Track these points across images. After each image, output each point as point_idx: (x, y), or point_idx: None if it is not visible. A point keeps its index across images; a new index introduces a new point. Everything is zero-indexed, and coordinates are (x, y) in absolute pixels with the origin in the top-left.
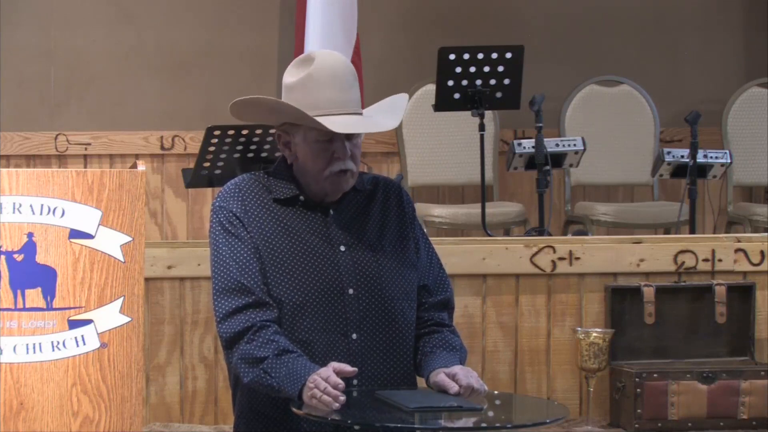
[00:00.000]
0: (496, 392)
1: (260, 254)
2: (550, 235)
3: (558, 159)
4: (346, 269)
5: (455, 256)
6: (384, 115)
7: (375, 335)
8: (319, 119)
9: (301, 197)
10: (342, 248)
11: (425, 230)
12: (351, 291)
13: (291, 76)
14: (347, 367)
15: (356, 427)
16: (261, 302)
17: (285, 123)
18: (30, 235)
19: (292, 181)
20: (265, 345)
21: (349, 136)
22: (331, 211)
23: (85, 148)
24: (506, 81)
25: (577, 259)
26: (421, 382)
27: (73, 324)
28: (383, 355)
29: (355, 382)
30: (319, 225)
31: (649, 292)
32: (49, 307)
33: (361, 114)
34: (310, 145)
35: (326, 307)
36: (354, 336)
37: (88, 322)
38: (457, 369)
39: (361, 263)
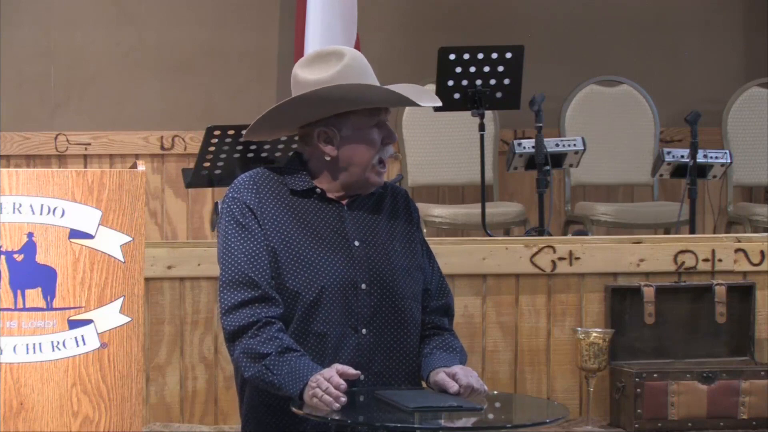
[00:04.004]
0: (496, 392)
1: (274, 246)
2: (550, 235)
3: (558, 159)
4: (360, 264)
5: (455, 256)
6: (417, 94)
7: (384, 332)
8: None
9: (318, 189)
10: (356, 243)
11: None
12: (364, 286)
13: (321, 71)
14: (351, 370)
15: (358, 427)
16: (267, 297)
17: (328, 118)
18: (30, 235)
19: (308, 176)
20: (269, 341)
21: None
22: (346, 207)
23: (85, 148)
24: (506, 81)
25: (577, 259)
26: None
27: (73, 324)
28: (391, 352)
29: (362, 377)
30: (334, 219)
31: (649, 292)
32: (49, 307)
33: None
34: (363, 132)
35: (340, 301)
36: (363, 331)
37: (88, 322)
38: (457, 369)
39: (374, 260)
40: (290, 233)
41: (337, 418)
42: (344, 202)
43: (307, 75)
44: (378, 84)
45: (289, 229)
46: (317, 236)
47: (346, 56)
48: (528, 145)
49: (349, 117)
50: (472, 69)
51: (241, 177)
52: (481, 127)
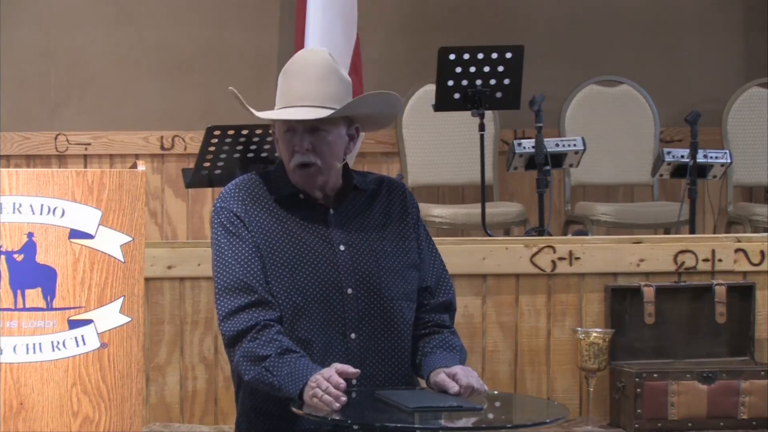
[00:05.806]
0: (496, 392)
1: (261, 254)
2: (550, 235)
3: (558, 159)
4: (345, 269)
5: (455, 256)
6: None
7: (373, 335)
8: (278, 110)
9: (301, 195)
10: (341, 248)
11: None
12: (350, 291)
13: None
14: (350, 368)
15: (356, 427)
16: (264, 301)
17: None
18: (30, 235)
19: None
20: (268, 344)
21: (312, 130)
22: (331, 211)
23: (85, 148)
24: (506, 81)
25: (577, 259)
26: (421, 382)
27: (73, 324)
28: (381, 355)
29: (354, 381)
30: (319, 224)
31: (649, 292)
32: (49, 307)
33: (330, 108)
34: (281, 138)
35: (325, 307)
36: (353, 336)
37: (88, 322)
38: (457, 369)
39: (360, 263)
40: (275, 241)
41: (337, 418)
42: (330, 205)
43: None
44: (311, 86)
45: (274, 236)
46: (301, 243)
47: (292, 59)
48: (528, 145)
49: (274, 123)
50: (472, 69)
51: (228, 186)
52: (481, 127)
